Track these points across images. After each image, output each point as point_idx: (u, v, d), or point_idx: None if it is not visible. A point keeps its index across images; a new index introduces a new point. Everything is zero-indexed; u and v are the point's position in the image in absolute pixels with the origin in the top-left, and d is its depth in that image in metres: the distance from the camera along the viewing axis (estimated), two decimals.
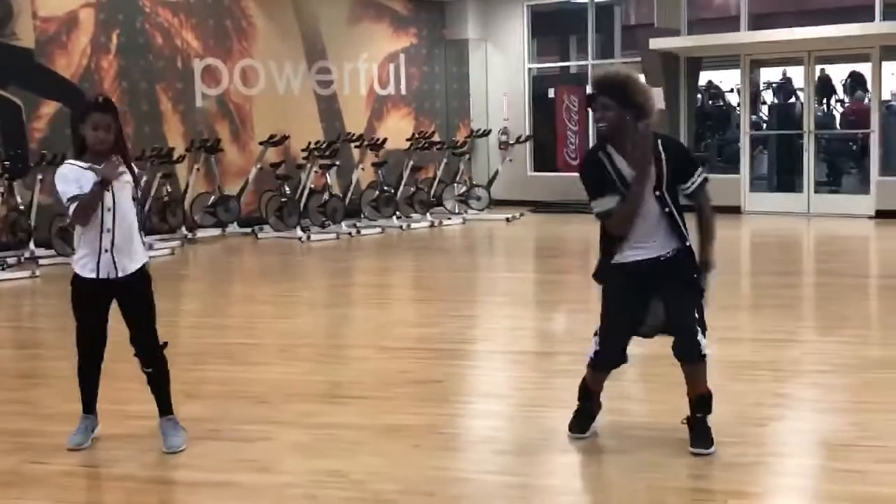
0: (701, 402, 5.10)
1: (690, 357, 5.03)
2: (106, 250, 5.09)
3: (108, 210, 5.07)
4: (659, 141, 4.93)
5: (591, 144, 18.33)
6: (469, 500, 4.55)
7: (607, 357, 5.21)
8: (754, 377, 6.51)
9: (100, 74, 14.55)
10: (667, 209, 4.91)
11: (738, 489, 4.57)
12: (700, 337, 5.00)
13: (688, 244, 5.02)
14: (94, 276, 5.11)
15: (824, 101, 18.61)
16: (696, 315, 5.02)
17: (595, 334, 5.21)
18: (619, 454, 5.10)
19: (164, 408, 5.35)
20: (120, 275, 5.12)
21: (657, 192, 4.90)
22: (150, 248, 13.34)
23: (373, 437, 5.37)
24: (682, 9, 16.98)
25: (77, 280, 5.19)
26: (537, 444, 5.24)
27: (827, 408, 5.87)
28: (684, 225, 4.99)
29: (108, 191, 5.03)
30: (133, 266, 5.17)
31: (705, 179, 5.01)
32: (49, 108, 13.97)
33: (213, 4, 15.74)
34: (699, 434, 5.04)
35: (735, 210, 16.50)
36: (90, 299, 5.18)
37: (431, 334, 8.24)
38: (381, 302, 10.39)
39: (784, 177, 17.14)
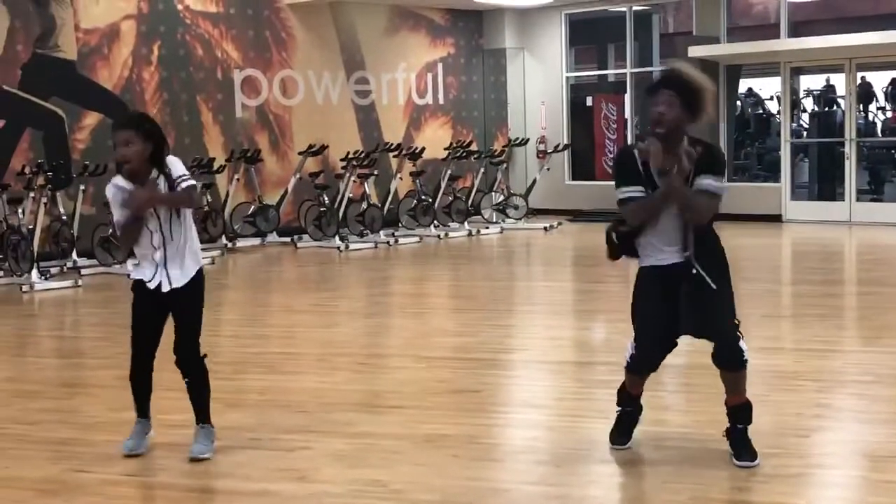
0: (741, 411, 5.04)
1: (732, 365, 4.95)
2: (157, 265, 5.18)
3: (156, 231, 5.14)
4: (698, 144, 4.80)
5: None
6: None
7: (641, 359, 5.14)
8: (796, 387, 6.45)
9: (141, 86, 14.70)
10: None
11: (780, 501, 4.53)
12: (742, 343, 4.92)
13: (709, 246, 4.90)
14: (148, 282, 5.19)
15: (865, 108, 18.44)
16: (734, 317, 4.93)
17: (633, 338, 5.17)
18: (659, 465, 5.07)
19: (199, 416, 5.39)
20: (173, 286, 5.19)
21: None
22: None
23: (412, 447, 5.38)
24: (722, 16, 16.90)
25: (134, 284, 5.29)
26: (576, 454, 5.22)
27: (870, 418, 5.80)
28: (708, 231, 4.90)
29: (151, 214, 5.09)
30: (183, 279, 5.20)
31: (719, 194, 4.79)
32: (91, 119, 14.14)
33: (252, 16, 15.86)
34: (741, 445, 4.98)
35: (776, 218, 16.38)
36: (143, 306, 5.27)
37: (469, 344, 8.24)
38: (418, 311, 10.40)
39: (825, 185, 16.99)
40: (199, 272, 5.28)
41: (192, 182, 5.20)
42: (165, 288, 5.18)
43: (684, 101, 4.66)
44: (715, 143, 16.12)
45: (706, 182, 4.75)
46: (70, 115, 13.96)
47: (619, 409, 5.30)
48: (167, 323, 5.33)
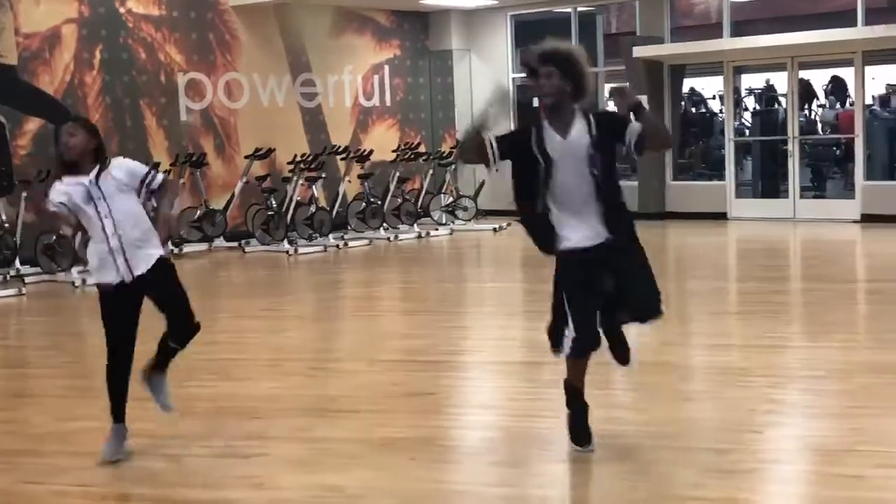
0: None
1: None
2: (115, 255, 5.25)
3: (106, 217, 5.25)
4: (592, 111, 5.03)
5: None
6: None
7: (583, 340, 5.11)
8: (747, 383, 6.51)
9: (83, 90, 14.49)
10: (594, 171, 4.95)
11: (736, 496, 4.57)
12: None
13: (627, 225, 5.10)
14: (111, 281, 5.28)
15: (806, 106, 18.67)
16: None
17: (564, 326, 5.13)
18: (616, 463, 5.09)
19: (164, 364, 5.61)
20: (135, 273, 5.26)
21: (590, 152, 4.95)
22: None
23: (369, 451, 5.35)
24: (665, 17, 17.04)
25: (98, 288, 5.38)
26: (533, 454, 5.23)
27: (821, 413, 5.88)
28: (622, 208, 5.07)
29: (93, 203, 5.24)
30: (145, 265, 5.29)
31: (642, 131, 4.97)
32: (33, 124, 13.91)
33: (196, 18, 15.70)
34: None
35: (721, 216, 16.54)
36: (113, 305, 5.33)
37: (422, 346, 8.22)
38: (370, 314, 10.36)
39: (769, 182, 17.19)
40: (162, 256, 5.38)
41: (161, 174, 5.49)
42: (128, 278, 5.25)
43: (562, 71, 4.93)
44: None
45: (634, 128, 4.94)
46: (11, 120, 13.71)
47: (570, 410, 5.28)
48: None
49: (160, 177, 5.45)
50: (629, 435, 5.48)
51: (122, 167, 5.35)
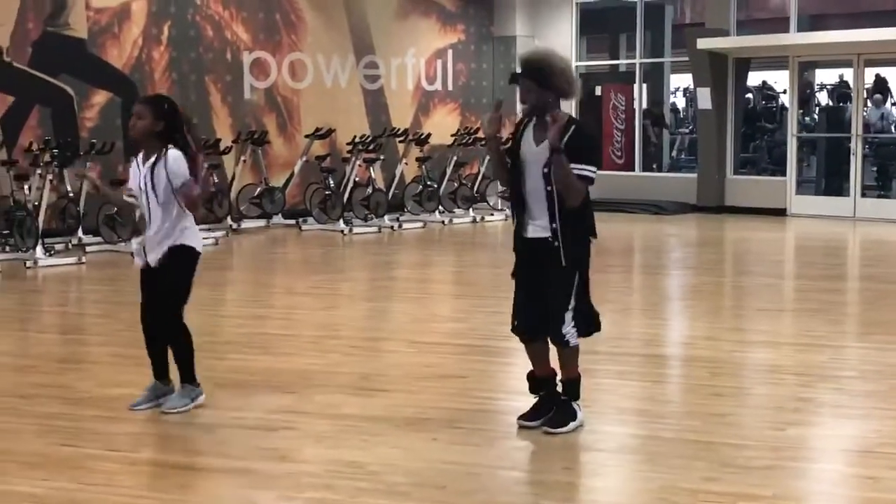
0: (568, 385, 5.43)
1: (556, 343, 5.35)
2: (147, 241, 5.71)
3: (146, 208, 5.69)
4: (572, 127, 5.13)
5: (637, 143, 18.32)
6: (481, 493, 4.62)
7: (515, 325, 5.48)
8: (778, 381, 6.52)
9: (150, 66, 14.79)
10: (549, 188, 5.15)
11: (748, 492, 4.59)
12: (565, 327, 5.27)
13: (559, 228, 5.19)
14: (139, 261, 5.80)
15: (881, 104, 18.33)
16: (568, 299, 5.27)
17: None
18: (632, 453, 5.16)
19: (180, 375, 5.83)
20: (151, 265, 5.70)
21: (545, 170, 5.14)
22: None
23: (392, 430, 5.47)
24: (731, 9, 16.87)
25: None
26: (555, 441, 5.30)
27: (848, 413, 5.86)
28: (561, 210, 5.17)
29: (141, 192, 5.67)
30: (153, 256, 5.67)
31: (587, 178, 5.13)
32: (100, 97, 14.24)
33: None
34: (558, 414, 5.38)
35: (781, 212, 16.39)
36: (141, 281, 5.83)
37: (462, 329, 8.33)
38: (417, 296, 10.48)
39: (831, 180, 16.98)
40: (177, 250, 5.63)
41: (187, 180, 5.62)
42: (145, 263, 5.74)
43: (538, 82, 5.10)
44: (722, 136, 16.08)
45: (575, 168, 5.09)
46: (79, 93, 14.06)
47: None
48: None
49: (179, 182, 5.56)
50: (651, 426, 5.53)
51: (172, 166, 5.55)
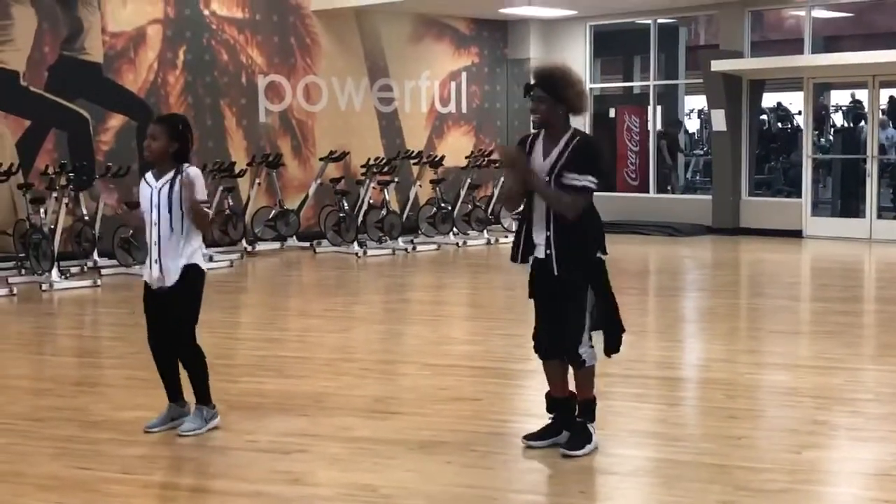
0: (584, 406, 5.42)
1: (572, 364, 5.39)
2: (153, 261, 5.71)
3: (155, 224, 5.69)
4: (576, 139, 5.19)
5: (652, 165, 18.31)
6: None
7: (534, 345, 5.56)
8: (794, 403, 6.49)
9: (166, 89, 14.89)
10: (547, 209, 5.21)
11: None
12: (581, 348, 5.29)
13: (552, 237, 5.22)
14: (146, 280, 5.80)
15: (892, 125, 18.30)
16: (580, 316, 5.28)
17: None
18: (646, 475, 5.14)
19: (195, 397, 5.85)
20: (166, 286, 5.71)
21: (546, 178, 5.18)
22: (210, 259, 13.64)
23: (406, 453, 5.46)
24: (746, 31, 16.88)
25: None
26: (569, 464, 5.28)
27: (864, 436, 5.82)
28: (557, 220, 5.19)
29: (151, 209, 5.70)
30: (170, 279, 5.68)
31: (585, 188, 5.16)
32: (116, 121, 14.33)
33: (278, 22, 16.02)
34: (575, 435, 5.36)
35: (796, 234, 16.34)
36: (145, 302, 5.88)
37: (476, 352, 8.32)
38: (431, 319, 10.47)
39: (847, 201, 16.92)
40: (189, 269, 5.67)
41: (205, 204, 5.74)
42: (155, 286, 5.73)
43: (551, 94, 5.15)
44: (737, 158, 16.05)
45: (570, 177, 5.14)
46: (95, 116, 14.15)
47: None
48: None
49: (202, 197, 5.71)
50: (666, 449, 5.50)
51: (197, 183, 5.63)
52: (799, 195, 16.77)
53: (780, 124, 20.53)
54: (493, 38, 18.76)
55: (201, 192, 5.65)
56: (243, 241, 14.85)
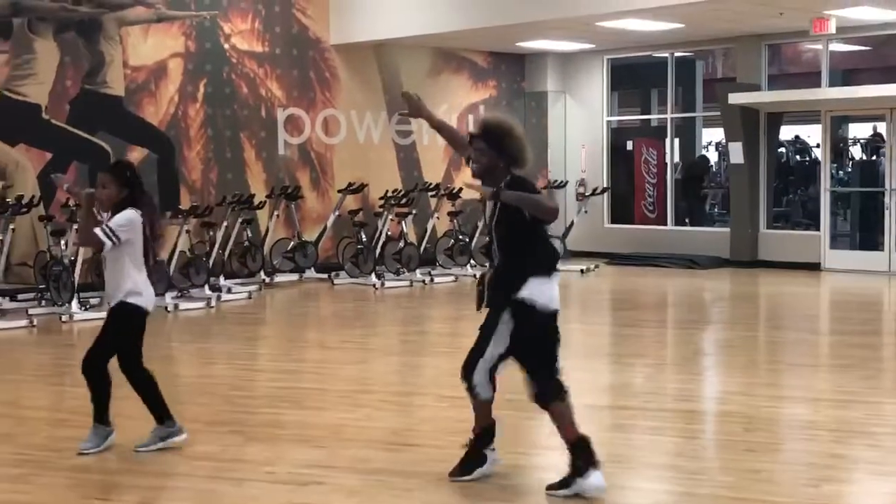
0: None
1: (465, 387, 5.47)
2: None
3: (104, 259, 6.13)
4: (508, 177, 5.27)
5: (669, 196, 18.31)
6: None
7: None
8: (812, 436, 6.46)
9: (186, 122, 15.01)
10: (493, 244, 5.38)
11: None
12: (476, 375, 5.41)
13: (518, 295, 5.26)
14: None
15: None
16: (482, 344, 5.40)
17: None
18: None
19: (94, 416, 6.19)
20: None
21: (492, 223, 5.37)
22: (229, 291, 13.71)
23: (422, 485, 5.46)
24: (763, 64, 16.92)
25: None
26: (586, 498, 5.26)
27: (884, 470, 5.79)
28: (522, 268, 5.27)
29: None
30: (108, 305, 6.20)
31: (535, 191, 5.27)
32: (136, 153, 14.44)
33: (297, 56, 16.15)
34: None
35: (815, 267, 16.28)
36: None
37: None
38: (449, 350, 10.43)
39: (866, 234, 16.86)
40: (121, 306, 6.01)
41: (105, 227, 5.90)
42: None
43: (493, 147, 5.28)
44: (754, 190, 15.98)
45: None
46: (116, 149, 14.26)
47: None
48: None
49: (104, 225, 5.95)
50: (685, 483, 5.49)
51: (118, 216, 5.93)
52: (817, 228, 16.73)
53: (797, 157, 20.52)
54: (511, 72, 18.85)
55: (115, 222, 5.86)
56: (262, 273, 14.91)
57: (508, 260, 5.33)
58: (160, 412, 6.10)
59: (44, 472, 5.79)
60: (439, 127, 5.92)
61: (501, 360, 5.41)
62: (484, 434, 5.53)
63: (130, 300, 5.98)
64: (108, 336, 6.11)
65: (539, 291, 5.25)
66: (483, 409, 5.50)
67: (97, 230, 5.84)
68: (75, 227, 12.43)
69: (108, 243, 5.84)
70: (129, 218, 5.89)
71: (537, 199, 5.20)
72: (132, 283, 5.96)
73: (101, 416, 6.10)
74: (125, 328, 6.09)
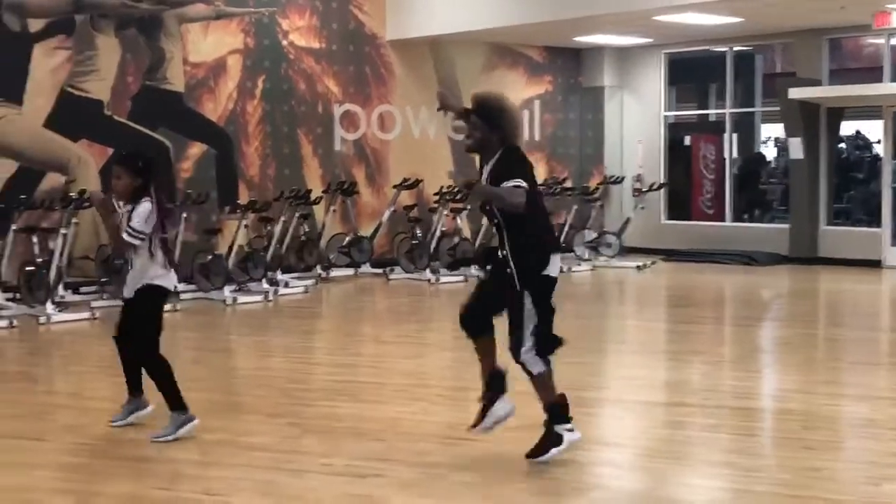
0: (549, 409, 5.64)
1: (520, 364, 5.62)
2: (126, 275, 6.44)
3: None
4: (501, 151, 5.44)
5: (727, 192, 18.14)
6: None
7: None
8: (874, 435, 6.39)
9: (244, 118, 15.15)
10: (495, 220, 5.49)
11: None
12: (525, 352, 5.53)
13: (508, 255, 5.46)
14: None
15: None
16: (524, 327, 5.52)
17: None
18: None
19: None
20: (126, 297, 6.40)
21: (487, 207, 5.50)
22: (286, 285, 13.82)
23: (480, 479, 5.48)
24: (824, 58, 16.70)
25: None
26: (640, 490, 5.26)
27: None
28: (514, 240, 5.44)
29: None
30: (129, 293, 6.32)
31: (517, 186, 5.32)
32: (196, 149, 14.62)
33: (354, 52, 16.23)
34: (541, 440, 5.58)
35: (875, 264, 16.05)
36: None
37: None
38: (503, 346, 10.46)
39: None
40: (147, 288, 6.20)
41: (128, 230, 6.13)
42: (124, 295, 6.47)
43: (487, 122, 5.45)
44: (814, 186, 15.78)
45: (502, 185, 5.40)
46: (175, 144, 14.45)
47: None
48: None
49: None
50: (743, 480, 5.46)
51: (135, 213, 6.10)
52: (878, 225, 16.49)
53: (858, 152, 20.22)
54: (567, 67, 18.78)
55: (136, 220, 6.04)
56: (318, 267, 15.02)
57: (506, 241, 5.50)
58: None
59: (104, 461, 5.89)
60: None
61: (536, 331, 5.52)
62: (554, 410, 5.57)
63: (155, 282, 6.22)
64: (144, 322, 6.31)
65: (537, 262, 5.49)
66: (544, 385, 5.53)
67: (125, 236, 6.09)
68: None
69: (137, 242, 6.11)
70: (145, 212, 6.09)
71: (500, 193, 5.34)
72: (154, 269, 6.20)
73: (174, 402, 6.23)
74: (155, 306, 6.33)
